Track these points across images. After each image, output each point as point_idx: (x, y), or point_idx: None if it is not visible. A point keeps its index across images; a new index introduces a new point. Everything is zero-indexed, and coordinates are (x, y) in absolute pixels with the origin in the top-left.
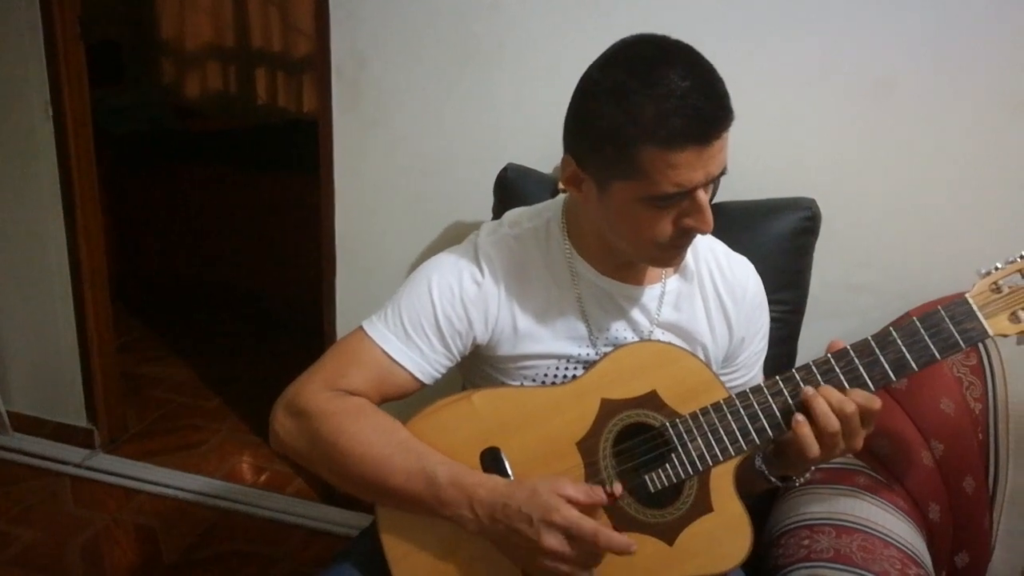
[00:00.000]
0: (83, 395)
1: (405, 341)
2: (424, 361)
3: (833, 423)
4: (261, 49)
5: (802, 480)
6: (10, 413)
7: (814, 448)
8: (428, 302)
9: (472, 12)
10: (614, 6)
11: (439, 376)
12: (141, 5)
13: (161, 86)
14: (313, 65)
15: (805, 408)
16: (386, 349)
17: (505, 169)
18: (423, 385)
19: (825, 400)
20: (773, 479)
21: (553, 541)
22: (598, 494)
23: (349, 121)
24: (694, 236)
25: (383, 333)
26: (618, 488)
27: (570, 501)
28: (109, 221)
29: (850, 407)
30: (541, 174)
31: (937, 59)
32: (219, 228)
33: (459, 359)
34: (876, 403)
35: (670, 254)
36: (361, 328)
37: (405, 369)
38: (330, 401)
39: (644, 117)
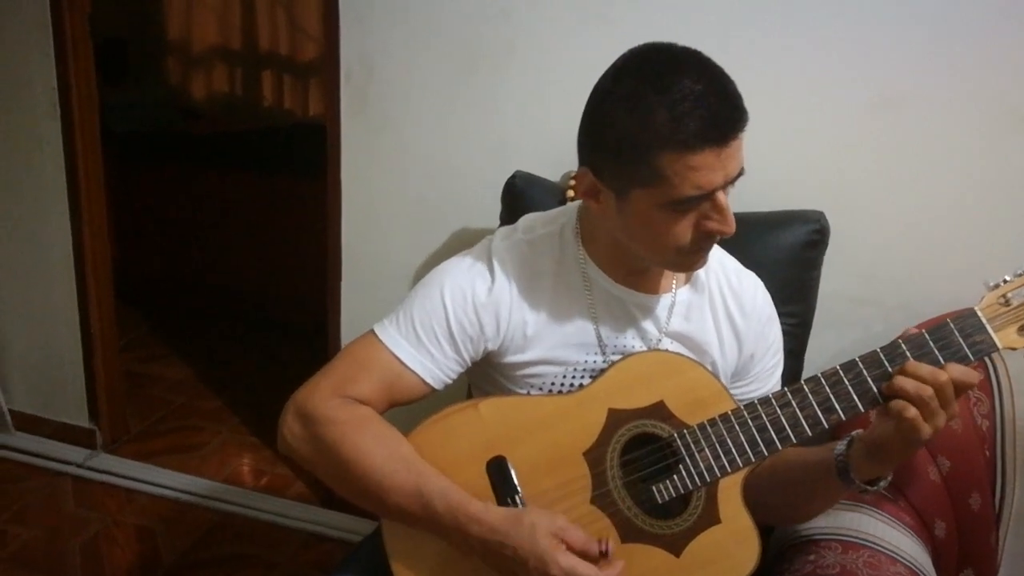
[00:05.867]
0: (85, 395)
1: (417, 346)
2: (435, 367)
3: (926, 391)
4: (268, 51)
5: (888, 479)
6: (12, 412)
7: (922, 428)
8: (440, 307)
9: (481, 19)
10: (623, 15)
11: (449, 382)
12: (149, 4)
13: (167, 86)
14: (319, 68)
15: (895, 393)
16: (398, 354)
17: (513, 176)
18: (433, 390)
19: (913, 374)
20: (859, 482)
21: None
22: (592, 547)
23: (357, 126)
24: (716, 239)
25: (395, 338)
26: (611, 546)
27: (564, 541)
28: (113, 220)
29: (943, 376)
30: (549, 182)
31: (945, 74)
32: (224, 230)
33: (469, 364)
34: (973, 377)
35: (692, 259)
36: (372, 332)
37: (416, 374)
38: (337, 409)
39: (660, 123)
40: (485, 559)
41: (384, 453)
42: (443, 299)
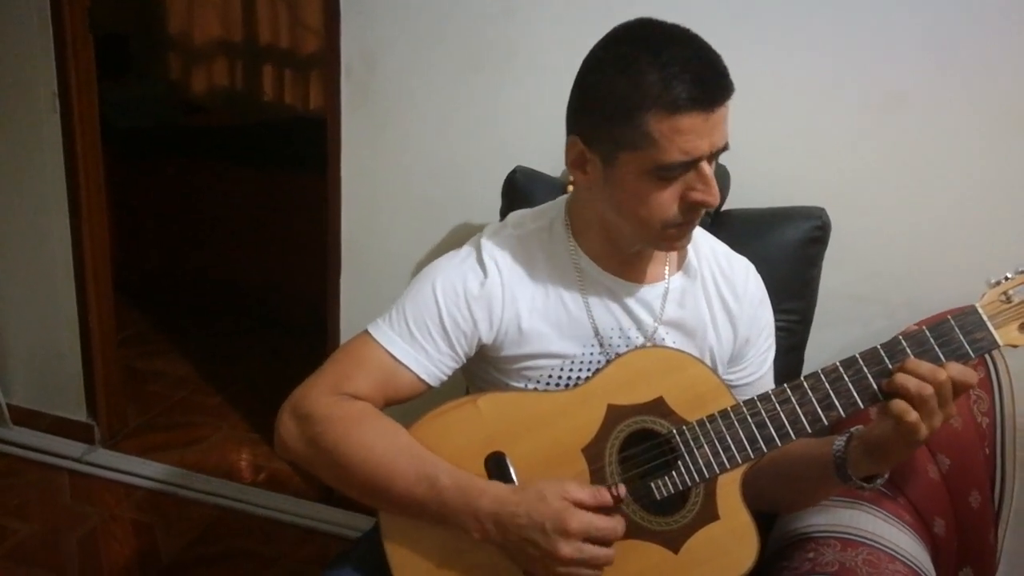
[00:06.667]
0: (83, 389)
1: (410, 343)
2: (429, 363)
3: (926, 389)
4: (269, 45)
5: (885, 477)
6: (10, 406)
7: (921, 429)
8: (432, 303)
9: (484, 14)
10: (625, 13)
11: (445, 378)
12: None
13: (168, 81)
14: (320, 62)
15: (895, 390)
16: (391, 351)
17: (514, 172)
18: (429, 387)
19: (914, 371)
20: (856, 479)
21: (569, 550)
22: (603, 496)
23: (357, 120)
24: (700, 213)
25: (388, 335)
26: (622, 489)
27: (576, 504)
28: (113, 215)
29: (943, 375)
30: (550, 177)
31: (948, 73)
32: (223, 224)
33: (464, 360)
34: (972, 376)
35: (677, 232)
36: (366, 331)
37: (410, 371)
38: (334, 406)
39: (649, 83)
40: (497, 535)
41: (384, 443)
42: (435, 294)
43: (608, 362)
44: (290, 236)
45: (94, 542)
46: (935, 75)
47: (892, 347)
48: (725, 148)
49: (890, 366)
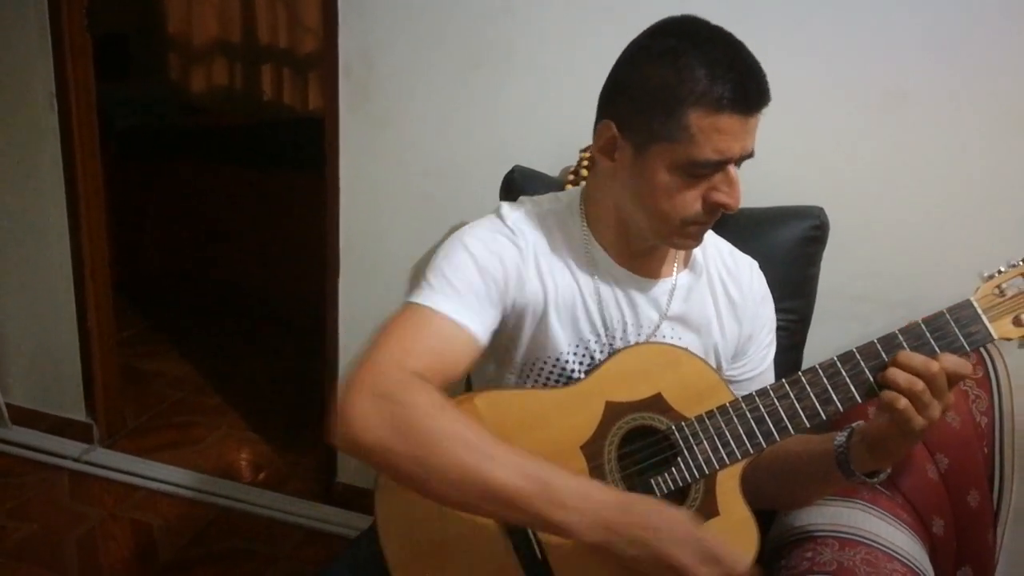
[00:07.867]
0: (82, 389)
1: (457, 299)
2: (477, 316)
3: (917, 384)
4: (268, 45)
5: (888, 472)
6: (9, 406)
7: (915, 419)
8: (467, 256)
9: (483, 15)
10: (626, 12)
11: (489, 334)
12: None
13: (167, 81)
14: (319, 63)
15: (888, 383)
16: (441, 310)
17: (512, 171)
18: (480, 347)
19: (905, 365)
20: (859, 474)
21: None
22: None
23: (356, 121)
24: (719, 215)
25: (434, 298)
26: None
27: None
28: (112, 215)
29: (935, 367)
30: (548, 177)
31: (948, 71)
32: (222, 224)
33: (501, 317)
34: (966, 367)
35: (692, 231)
36: (410, 304)
37: (464, 328)
38: (416, 388)
39: (696, 78)
40: (598, 538)
41: (475, 433)
42: (468, 250)
43: (606, 358)
44: (290, 236)
45: (93, 541)
46: (935, 75)
47: (888, 341)
48: (751, 155)
49: (886, 360)
